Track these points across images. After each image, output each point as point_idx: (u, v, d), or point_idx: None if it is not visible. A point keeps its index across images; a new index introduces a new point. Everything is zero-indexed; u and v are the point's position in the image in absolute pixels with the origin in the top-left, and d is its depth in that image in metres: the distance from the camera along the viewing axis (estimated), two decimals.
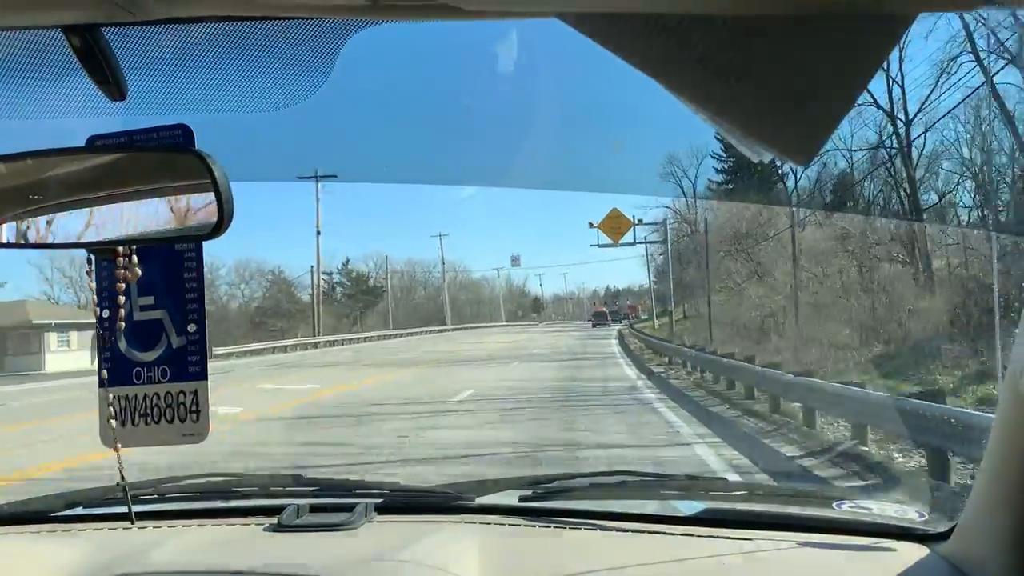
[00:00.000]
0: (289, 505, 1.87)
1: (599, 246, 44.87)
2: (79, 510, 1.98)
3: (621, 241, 44.98)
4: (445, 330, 74.06)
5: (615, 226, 43.23)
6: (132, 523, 1.74)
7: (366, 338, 56.34)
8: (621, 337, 46.29)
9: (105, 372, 1.45)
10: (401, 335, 63.60)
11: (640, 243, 54.57)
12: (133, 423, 1.44)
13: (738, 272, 40.38)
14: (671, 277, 48.97)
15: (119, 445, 1.43)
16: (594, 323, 74.22)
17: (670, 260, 50.24)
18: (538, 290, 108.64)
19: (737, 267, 41.11)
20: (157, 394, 1.43)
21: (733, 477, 6.88)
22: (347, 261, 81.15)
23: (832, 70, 0.54)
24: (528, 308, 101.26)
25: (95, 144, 1.24)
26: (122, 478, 1.52)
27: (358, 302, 78.38)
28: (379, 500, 1.92)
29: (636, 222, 44.59)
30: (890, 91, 30.88)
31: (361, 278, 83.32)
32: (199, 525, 1.90)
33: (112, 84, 0.98)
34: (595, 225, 42.76)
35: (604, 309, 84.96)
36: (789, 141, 0.56)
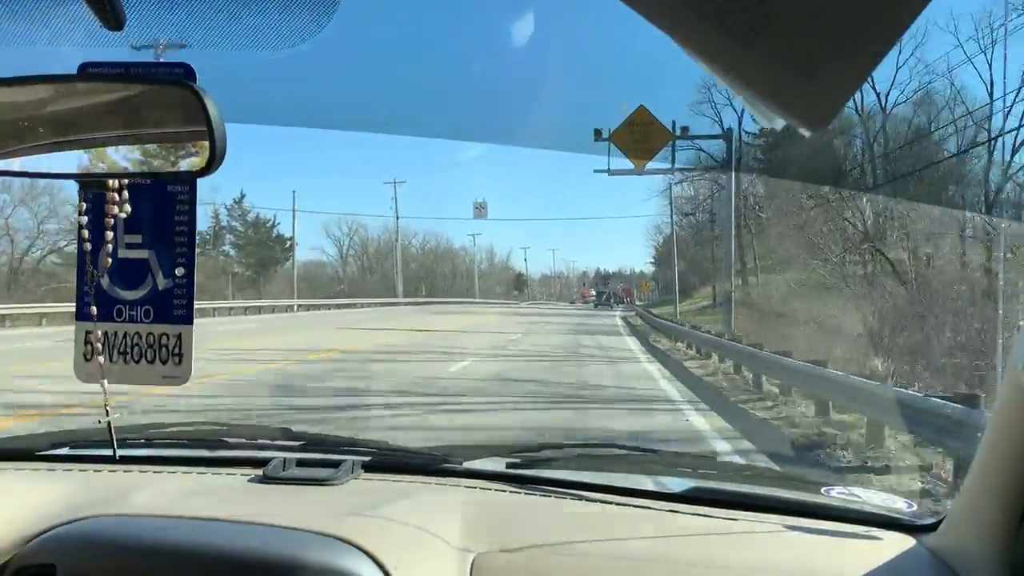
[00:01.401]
0: (275, 457, 1.86)
1: (609, 172, 24.19)
2: (65, 450, 1.98)
3: (648, 167, 25.27)
4: (391, 304, 55.82)
5: (641, 140, 23.65)
6: (115, 462, 1.73)
7: (233, 310, 39.68)
8: (641, 337, 28.11)
9: (84, 307, 1.44)
10: (314, 307, 47.69)
11: (684, 170, 31.82)
12: (111, 360, 1.44)
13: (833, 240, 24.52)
14: (732, 230, 27.17)
15: (105, 382, 1.43)
16: (596, 303, 69.43)
17: (733, 199, 27.35)
18: (523, 267, 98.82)
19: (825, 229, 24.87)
20: (139, 333, 1.43)
21: None
22: (242, 197, 60.25)
23: (855, 32, 0.51)
24: (510, 285, 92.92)
25: (89, 72, 1.21)
26: (107, 414, 1.51)
27: (252, 256, 58.88)
28: (367, 458, 1.92)
29: (677, 134, 24.42)
30: None
31: (262, 224, 61.17)
32: (184, 472, 1.89)
33: (109, 12, 0.95)
34: (607, 137, 23.59)
35: (607, 289, 79.38)
36: (804, 106, 0.54)
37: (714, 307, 41.16)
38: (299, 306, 46.93)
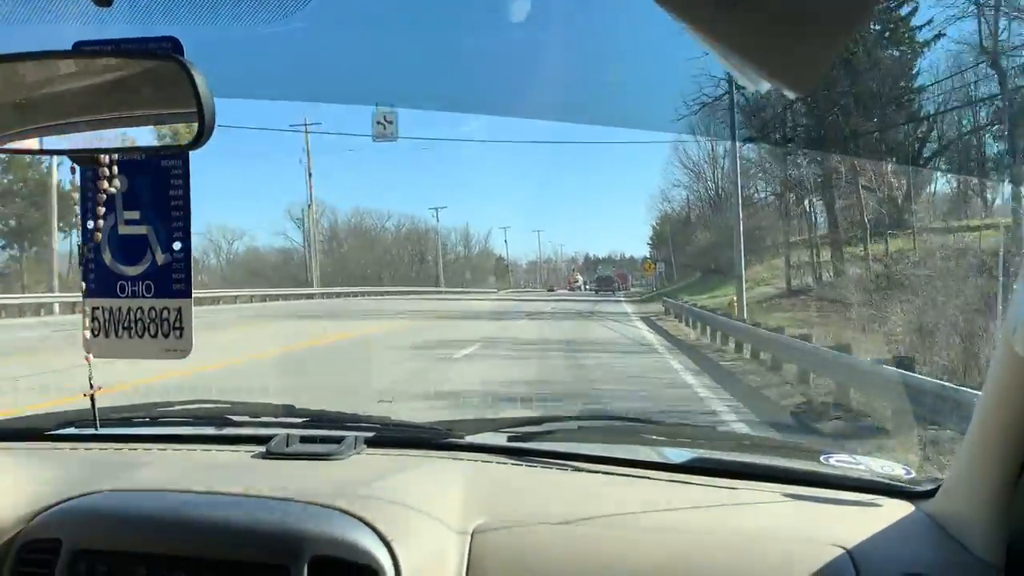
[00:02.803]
0: (279, 434, 1.87)
1: None
2: (71, 429, 2.00)
3: None
4: (285, 296, 39.42)
5: None
6: (99, 440, 1.78)
7: None
8: None
9: (90, 284, 1.48)
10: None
11: None
12: (116, 335, 1.48)
13: None
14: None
15: (90, 356, 1.46)
16: (597, 290, 60.47)
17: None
18: (504, 250, 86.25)
19: None
20: (141, 308, 1.46)
21: None
22: None
23: None
24: (488, 272, 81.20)
25: (80, 49, 1.21)
26: (91, 387, 1.54)
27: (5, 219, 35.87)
28: (370, 433, 1.93)
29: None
30: None
31: (25, 167, 34.59)
32: (189, 449, 1.92)
33: None
34: None
35: (611, 273, 68.05)
36: (788, 69, 0.54)
37: (790, 297, 26.05)
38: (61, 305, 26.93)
